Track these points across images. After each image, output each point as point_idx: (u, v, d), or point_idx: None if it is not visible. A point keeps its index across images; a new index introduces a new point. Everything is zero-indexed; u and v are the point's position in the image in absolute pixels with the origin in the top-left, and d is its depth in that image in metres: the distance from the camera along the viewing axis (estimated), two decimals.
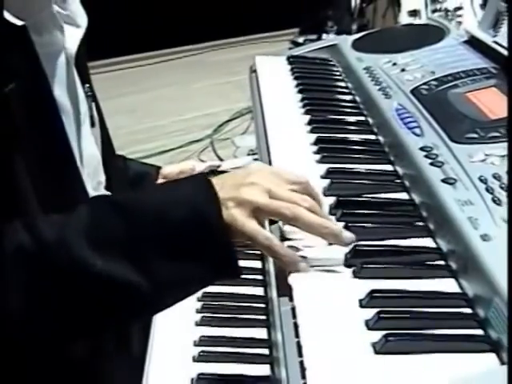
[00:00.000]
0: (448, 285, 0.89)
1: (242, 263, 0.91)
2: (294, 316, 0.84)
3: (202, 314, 1.33)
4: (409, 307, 0.83)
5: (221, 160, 3.91)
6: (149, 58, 6.18)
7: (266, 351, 1.24)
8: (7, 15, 0.97)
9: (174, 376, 1.20)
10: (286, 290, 0.89)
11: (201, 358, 1.23)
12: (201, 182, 0.92)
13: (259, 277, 1.44)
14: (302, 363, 0.76)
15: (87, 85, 1.22)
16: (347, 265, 0.91)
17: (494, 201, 0.94)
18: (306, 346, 0.76)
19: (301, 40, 4.17)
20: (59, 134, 1.05)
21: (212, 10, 6.32)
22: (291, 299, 0.87)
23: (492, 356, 0.75)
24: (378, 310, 0.80)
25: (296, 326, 0.82)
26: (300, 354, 0.77)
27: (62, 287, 0.87)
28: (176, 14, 6.06)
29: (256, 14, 6.47)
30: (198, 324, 1.31)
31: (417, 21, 3.77)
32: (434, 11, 4.10)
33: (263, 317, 1.33)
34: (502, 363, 0.73)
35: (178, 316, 1.29)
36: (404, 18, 4.05)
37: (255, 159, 1.79)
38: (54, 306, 0.88)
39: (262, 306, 1.36)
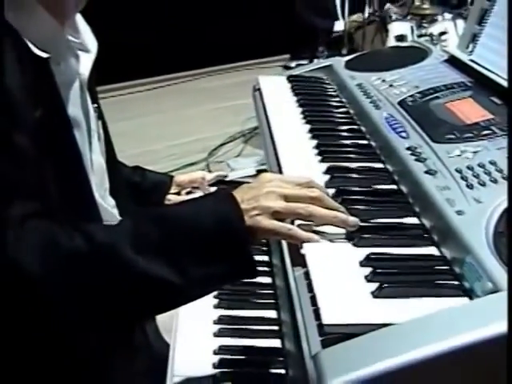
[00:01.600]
0: (431, 251, 1.12)
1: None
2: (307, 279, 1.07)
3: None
4: (398, 267, 1.06)
5: None
6: (143, 84, 6.42)
7: (276, 328, 1.47)
8: (33, 48, 1.18)
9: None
10: (298, 260, 1.13)
11: (220, 334, 1.45)
12: (225, 197, 1.14)
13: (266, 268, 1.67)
14: (316, 311, 0.99)
15: (95, 105, 1.44)
16: (348, 237, 1.14)
17: (467, 186, 1.18)
18: (319, 299, 0.99)
19: (293, 65, 4.44)
20: (73, 147, 1.26)
21: (204, 37, 6.58)
22: (304, 266, 1.09)
23: (465, 299, 0.99)
24: (374, 267, 1.03)
25: (310, 286, 1.05)
26: (314, 304, 1.00)
27: (109, 281, 1.07)
28: (169, 40, 6.31)
29: (247, 40, 6.75)
30: (216, 306, 1.54)
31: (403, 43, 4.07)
32: (420, 36, 4.40)
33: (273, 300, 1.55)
34: None
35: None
36: (391, 43, 4.33)
37: (258, 170, 2.03)
38: (101, 298, 1.07)
39: (271, 291, 1.58)
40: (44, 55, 1.19)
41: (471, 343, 0.85)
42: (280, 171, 1.44)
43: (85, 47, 1.38)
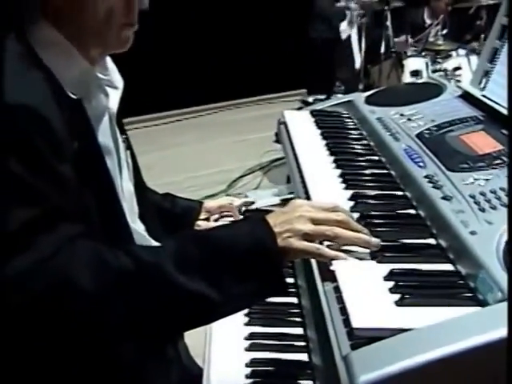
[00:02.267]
0: (447, 267, 1.26)
1: None
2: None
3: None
4: (417, 281, 1.20)
5: None
6: (163, 117, 6.63)
7: (303, 343, 1.60)
8: (68, 91, 1.33)
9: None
10: (327, 276, 1.27)
11: (251, 349, 1.58)
12: (259, 221, 1.28)
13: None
14: (345, 320, 1.13)
15: (124, 136, 1.59)
16: (371, 256, 1.28)
17: (479, 209, 1.33)
18: (349, 307, 1.13)
19: (310, 99, 4.60)
20: (106, 175, 1.41)
21: (222, 73, 6.78)
22: (334, 280, 1.24)
23: (479, 308, 1.12)
24: (397, 281, 1.18)
25: (339, 298, 1.19)
26: (343, 313, 1.14)
27: (155, 296, 1.21)
28: (190, 75, 6.51)
29: (264, 75, 6.95)
30: (246, 324, 1.67)
31: (419, 80, 4.22)
32: (435, 71, 4.57)
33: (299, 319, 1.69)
34: None
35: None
36: (407, 78, 4.50)
37: (283, 199, 2.17)
38: (146, 312, 1.21)
39: (298, 310, 1.72)
40: (75, 96, 1.34)
41: (483, 344, 0.99)
42: (308, 198, 1.58)
43: (113, 84, 1.52)
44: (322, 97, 4.60)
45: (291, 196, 2.03)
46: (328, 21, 5.27)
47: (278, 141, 5.61)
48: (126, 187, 1.52)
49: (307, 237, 1.25)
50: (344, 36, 5.10)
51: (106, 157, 1.41)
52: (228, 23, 6.84)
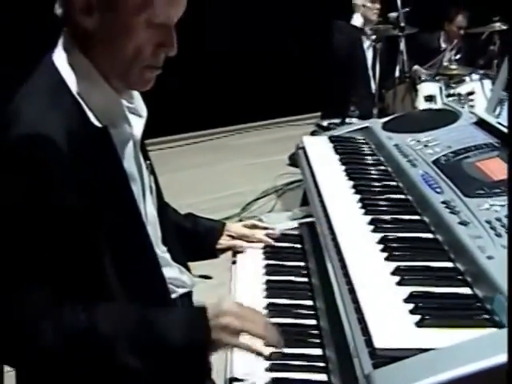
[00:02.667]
0: (465, 291, 1.32)
1: None
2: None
3: None
4: (437, 303, 1.26)
5: None
6: (177, 140, 6.71)
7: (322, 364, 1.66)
8: (94, 120, 1.39)
9: None
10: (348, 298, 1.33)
11: (272, 369, 1.63)
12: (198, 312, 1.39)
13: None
14: (367, 340, 1.18)
15: (147, 161, 1.65)
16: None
17: (496, 235, 1.39)
18: (371, 328, 1.19)
19: (325, 124, 4.67)
20: (132, 200, 1.47)
21: (236, 96, 6.87)
22: (356, 302, 1.30)
23: (495, 329, 1.18)
24: (417, 303, 1.24)
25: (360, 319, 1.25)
26: (364, 334, 1.20)
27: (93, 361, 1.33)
28: (203, 98, 6.60)
29: (277, 98, 7.04)
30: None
31: (434, 105, 4.29)
32: (448, 96, 4.63)
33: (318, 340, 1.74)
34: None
35: None
36: (421, 103, 4.57)
37: (301, 223, 2.23)
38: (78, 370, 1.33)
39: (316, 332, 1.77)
40: (101, 125, 1.40)
41: (500, 364, 1.04)
42: (328, 223, 1.64)
43: (137, 112, 1.57)
44: (337, 121, 4.65)
45: (310, 220, 2.09)
46: (344, 47, 5.36)
47: (291, 164, 5.71)
48: (149, 212, 1.59)
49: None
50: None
51: (131, 183, 1.48)
52: (241, 46, 6.94)
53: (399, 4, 4.80)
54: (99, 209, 1.35)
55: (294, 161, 5.58)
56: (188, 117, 6.39)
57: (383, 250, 1.45)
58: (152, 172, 1.66)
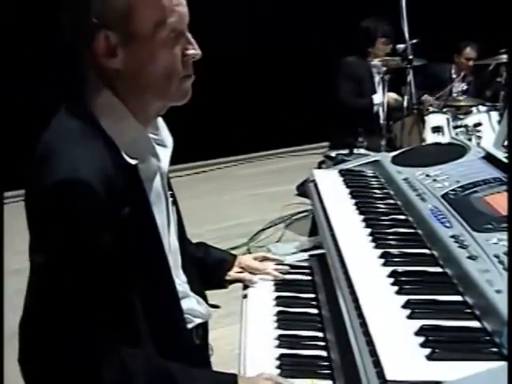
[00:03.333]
0: (474, 324, 1.36)
1: None
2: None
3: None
4: (447, 336, 1.31)
5: None
6: (182, 169, 6.77)
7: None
8: (125, 156, 1.44)
9: None
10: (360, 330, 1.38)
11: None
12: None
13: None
14: (378, 372, 1.23)
15: (170, 192, 1.70)
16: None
17: (504, 269, 1.43)
18: (383, 360, 1.24)
19: (333, 154, 4.72)
20: (157, 235, 1.52)
21: (240, 126, 6.94)
22: (367, 335, 1.34)
23: (503, 362, 1.22)
24: (427, 336, 1.28)
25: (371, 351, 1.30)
26: (376, 366, 1.25)
27: None
28: (207, 128, 6.68)
29: (284, 128, 7.11)
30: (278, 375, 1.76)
31: (441, 138, 4.35)
32: (456, 127, 4.69)
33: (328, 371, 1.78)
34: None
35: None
36: (428, 134, 4.62)
37: (310, 255, 2.27)
38: None
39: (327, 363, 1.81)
40: (134, 162, 1.46)
41: None
42: (340, 256, 1.70)
43: (163, 142, 1.64)
44: (345, 151, 4.71)
45: (319, 252, 2.14)
46: (354, 80, 5.44)
47: (299, 194, 5.77)
48: (172, 243, 1.65)
49: None
50: (376, 108, 5.27)
51: (157, 216, 1.52)
52: (248, 76, 7.03)
53: (407, 36, 4.87)
54: (128, 245, 1.40)
55: (301, 191, 5.64)
56: (195, 146, 6.45)
57: (394, 284, 1.50)
58: (174, 202, 1.72)
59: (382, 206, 2.00)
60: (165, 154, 1.62)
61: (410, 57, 4.72)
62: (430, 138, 4.54)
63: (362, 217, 1.91)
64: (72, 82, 1.51)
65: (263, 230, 5.34)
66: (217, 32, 6.13)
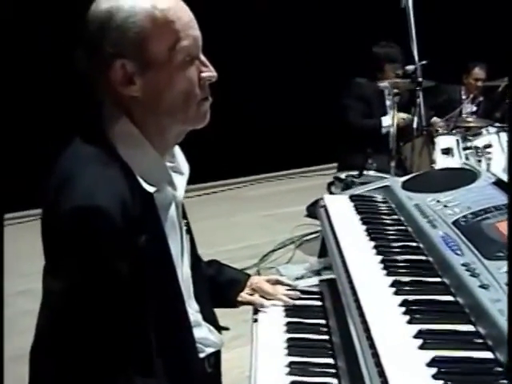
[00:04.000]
0: (486, 355, 1.36)
1: None
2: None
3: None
4: (459, 367, 1.31)
5: None
6: (192, 190, 6.76)
7: None
8: (143, 183, 1.45)
9: None
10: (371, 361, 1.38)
11: None
12: None
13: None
14: None
15: (185, 221, 1.71)
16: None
17: None
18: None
19: (343, 176, 4.72)
20: (171, 265, 1.53)
21: (249, 146, 6.95)
22: (379, 365, 1.34)
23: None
24: (439, 368, 1.28)
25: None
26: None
27: None
28: (217, 149, 6.70)
29: (293, 149, 7.12)
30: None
31: (450, 159, 4.34)
32: (465, 149, 4.69)
33: None
34: None
35: None
36: (438, 156, 4.62)
37: (321, 280, 2.27)
38: None
39: None
40: (152, 190, 1.46)
41: None
42: (351, 284, 1.69)
43: (179, 170, 1.64)
44: (355, 173, 4.71)
45: (330, 277, 2.14)
46: (363, 101, 5.45)
47: (309, 215, 5.76)
48: (185, 272, 1.65)
49: None
50: (385, 131, 5.27)
51: (171, 245, 1.53)
52: (258, 97, 7.06)
53: (416, 58, 4.88)
54: (143, 274, 1.41)
55: (311, 212, 5.64)
56: (204, 167, 6.45)
57: (405, 313, 1.49)
58: (188, 230, 1.72)
59: (393, 232, 2.00)
60: (181, 182, 1.62)
61: (420, 79, 4.72)
62: (440, 159, 4.54)
63: (372, 243, 1.90)
64: (88, 108, 1.52)
65: (273, 251, 5.35)
66: (228, 52, 6.16)
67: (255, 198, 6.92)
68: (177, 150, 1.67)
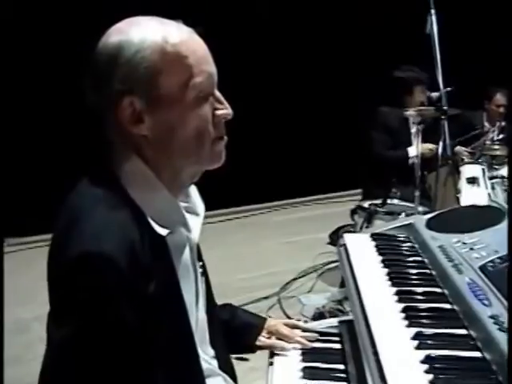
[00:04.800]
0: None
1: None
2: None
3: None
4: None
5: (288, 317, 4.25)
6: (214, 216, 6.69)
7: None
8: (155, 226, 1.34)
9: None
10: None
11: None
12: None
13: None
14: None
15: (200, 263, 1.59)
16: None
17: None
18: None
19: (366, 205, 4.58)
20: (182, 316, 1.42)
21: (273, 172, 6.87)
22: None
23: None
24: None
25: None
26: None
27: None
28: (240, 175, 6.61)
29: (316, 176, 7.02)
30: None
31: (476, 188, 4.20)
32: (491, 178, 4.54)
33: None
34: None
35: None
36: (463, 185, 4.47)
37: (340, 321, 2.15)
38: None
39: None
40: (164, 232, 1.36)
41: None
42: (369, 333, 1.57)
43: (194, 210, 1.53)
44: (378, 201, 4.57)
45: (350, 318, 2.01)
46: (388, 131, 5.32)
47: (331, 243, 5.64)
48: (200, 317, 1.55)
49: None
50: (411, 161, 5.14)
51: (185, 291, 1.42)
52: (283, 124, 6.98)
53: (441, 84, 4.75)
54: (153, 324, 1.31)
55: (334, 239, 5.52)
56: (228, 193, 6.39)
57: (428, 372, 1.37)
58: (204, 273, 1.61)
59: (416, 276, 1.87)
60: (196, 223, 1.51)
61: (445, 107, 4.59)
62: (466, 188, 4.39)
63: (394, 289, 1.78)
64: (97, 146, 1.43)
65: (295, 279, 5.23)
66: (248, 83, 6.11)
67: (279, 224, 6.80)
68: (192, 188, 1.56)
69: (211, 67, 1.39)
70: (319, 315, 4.21)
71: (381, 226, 2.48)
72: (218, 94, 1.40)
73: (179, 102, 1.33)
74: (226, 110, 1.40)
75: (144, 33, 1.33)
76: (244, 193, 6.78)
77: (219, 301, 1.85)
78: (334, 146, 7.10)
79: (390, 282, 1.83)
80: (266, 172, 6.88)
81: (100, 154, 1.42)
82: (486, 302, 1.57)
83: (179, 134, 1.35)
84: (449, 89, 4.76)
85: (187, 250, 1.48)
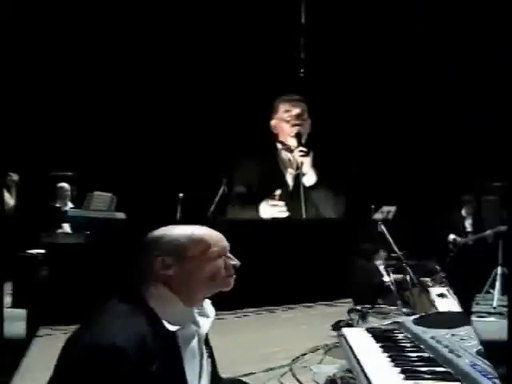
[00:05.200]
0: None
1: None
2: None
3: None
4: None
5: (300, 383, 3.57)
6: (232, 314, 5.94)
7: None
8: (167, 325, 1.16)
9: None
10: None
11: None
12: None
13: None
14: None
15: (208, 347, 1.33)
16: None
17: None
18: None
19: (358, 307, 4.21)
20: None
21: (278, 283, 6.14)
22: None
23: None
24: None
25: None
26: None
27: None
28: (262, 282, 5.89)
29: (319, 287, 6.28)
30: None
31: (446, 301, 3.71)
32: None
33: None
34: None
35: None
36: (435, 298, 4.05)
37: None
38: None
39: None
40: (173, 329, 1.19)
41: None
42: None
43: (205, 314, 1.34)
44: (368, 306, 4.16)
45: None
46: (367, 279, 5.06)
47: (334, 330, 5.00)
48: None
49: None
50: (387, 285, 4.83)
51: (189, 369, 1.19)
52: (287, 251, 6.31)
53: (397, 251, 4.59)
54: None
55: (336, 328, 4.92)
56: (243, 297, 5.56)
57: None
58: (211, 355, 1.36)
59: (417, 358, 1.44)
60: (206, 322, 1.32)
61: (404, 264, 4.34)
62: (438, 300, 3.96)
63: (398, 369, 1.33)
64: (132, 282, 1.28)
65: (304, 354, 4.50)
66: None
67: (289, 319, 6.13)
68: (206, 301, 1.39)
69: (225, 243, 1.33)
70: (331, 382, 3.51)
71: (374, 322, 2.03)
72: (229, 254, 1.33)
73: (199, 259, 1.27)
74: (235, 262, 1.33)
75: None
76: (258, 297, 6.03)
77: (240, 368, 1.45)
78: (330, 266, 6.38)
79: (392, 363, 1.40)
80: (281, 283, 6.13)
81: (131, 282, 1.28)
82: (496, 381, 1.17)
83: (197, 275, 1.27)
84: (404, 251, 4.67)
85: (195, 340, 1.28)
